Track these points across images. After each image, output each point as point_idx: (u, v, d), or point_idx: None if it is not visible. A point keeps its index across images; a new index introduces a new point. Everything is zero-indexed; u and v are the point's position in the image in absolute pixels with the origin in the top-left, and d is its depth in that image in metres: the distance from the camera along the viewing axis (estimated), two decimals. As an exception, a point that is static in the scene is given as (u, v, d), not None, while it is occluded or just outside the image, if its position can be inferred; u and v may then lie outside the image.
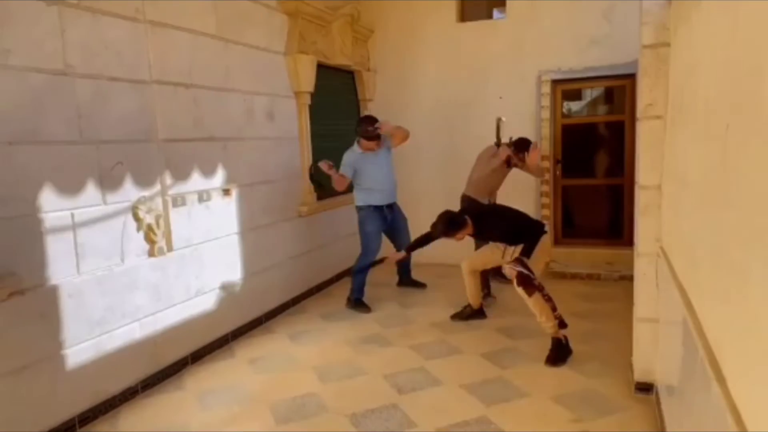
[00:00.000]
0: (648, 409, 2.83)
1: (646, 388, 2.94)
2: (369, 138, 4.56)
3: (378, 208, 4.75)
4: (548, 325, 3.46)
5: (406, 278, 5.35)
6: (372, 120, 4.62)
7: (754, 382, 1.04)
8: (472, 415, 2.88)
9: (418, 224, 6.16)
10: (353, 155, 4.63)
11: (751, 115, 1.09)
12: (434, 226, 3.89)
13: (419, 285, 5.30)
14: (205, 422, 2.95)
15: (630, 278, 3.25)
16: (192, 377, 3.49)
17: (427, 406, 3.00)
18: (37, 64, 2.65)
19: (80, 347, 2.88)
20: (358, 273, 4.78)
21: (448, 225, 3.80)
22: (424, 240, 4.14)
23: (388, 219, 4.83)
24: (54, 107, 2.74)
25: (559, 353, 3.45)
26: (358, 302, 4.77)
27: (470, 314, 4.33)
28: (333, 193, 5.62)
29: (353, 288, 4.80)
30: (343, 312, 4.73)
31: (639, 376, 2.97)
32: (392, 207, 4.89)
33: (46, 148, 2.71)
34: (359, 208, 4.77)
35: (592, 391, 3.08)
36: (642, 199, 2.85)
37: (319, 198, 5.29)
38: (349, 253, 6.03)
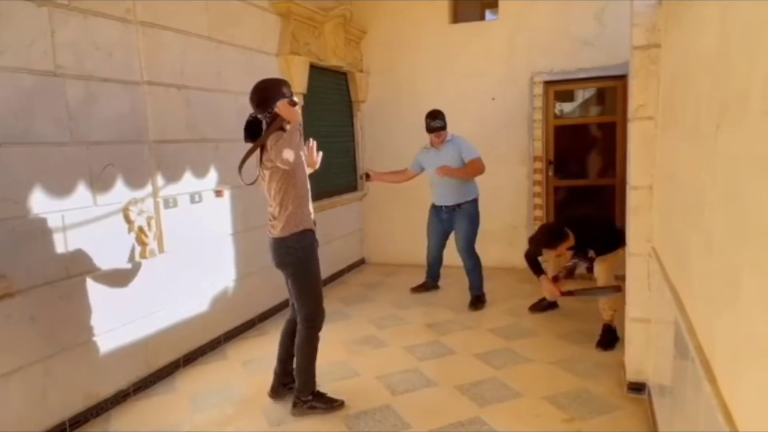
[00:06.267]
0: (640, 409, 2.84)
1: (638, 387, 2.95)
2: (429, 130, 4.58)
3: (436, 208, 4.84)
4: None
5: (432, 283, 5.19)
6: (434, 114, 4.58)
7: (745, 382, 1.05)
8: (465, 415, 2.88)
9: (414, 224, 6.19)
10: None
11: (740, 117, 1.10)
12: (532, 239, 4.04)
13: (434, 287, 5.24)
14: (198, 425, 2.93)
15: (622, 278, 3.27)
16: (184, 379, 3.48)
17: (420, 407, 3.00)
18: (26, 65, 2.63)
19: (71, 350, 2.86)
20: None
21: (549, 237, 3.81)
22: (530, 260, 4.14)
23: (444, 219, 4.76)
24: (44, 108, 2.72)
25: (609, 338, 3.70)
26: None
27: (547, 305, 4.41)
28: (326, 194, 5.62)
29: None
30: (337, 313, 4.72)
31: (631, 375, 2.98)
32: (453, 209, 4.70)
33: (36, 150, 2.69)
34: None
35: (585, 391, 3.09)
36: (633, 199, 2.86)
37: (312, 199, 5.25)
38: (344, 253, 6.04)
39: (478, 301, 4.69)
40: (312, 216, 2.98)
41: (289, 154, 2.62)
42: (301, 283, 2.92)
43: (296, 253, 2.86)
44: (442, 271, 5.12)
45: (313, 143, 3.21)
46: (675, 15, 2.21)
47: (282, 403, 3.10)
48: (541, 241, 3.90)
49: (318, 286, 2.99)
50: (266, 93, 2.79)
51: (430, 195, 4.84)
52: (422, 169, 4.75)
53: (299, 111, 2.85)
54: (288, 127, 2.72)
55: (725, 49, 1.28)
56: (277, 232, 2.86)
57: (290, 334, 3.10)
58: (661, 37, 2.64)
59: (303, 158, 2.91)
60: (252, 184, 2.88)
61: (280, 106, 2.74)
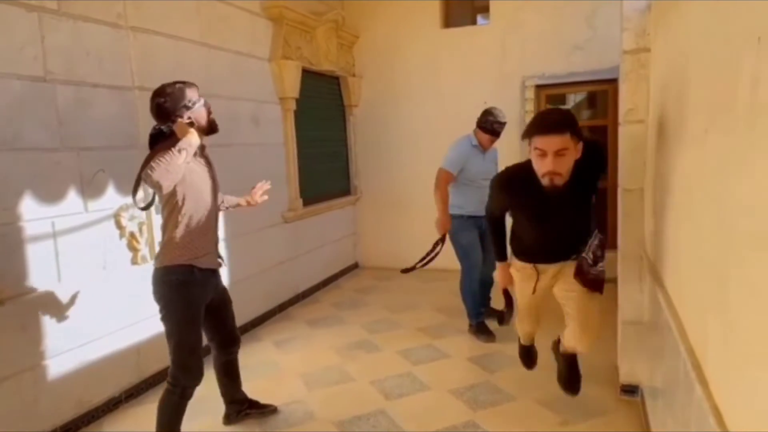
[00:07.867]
0: (633, 411, 2.85)
1: (631, 390, 2.96)
2: (493, 133, 3.98)
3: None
4: None
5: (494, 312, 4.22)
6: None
7: (735, 385, 1.06)
8: (459, 419, 2.88)
9: (408, 229, 6.18)
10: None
11: (728, 121, 1.10)
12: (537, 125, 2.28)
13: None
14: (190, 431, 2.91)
15: (614, 281, 3.28)
16: (177, 386, 3.44)
17: (414, 412, 3.00)
18: (16, 71, 2.61)
19: (62, 357, 2.84)
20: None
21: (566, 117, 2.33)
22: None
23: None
24: (34, 114, 2.70)
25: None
26: (480, 326, 4.07)
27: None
28: (319, 198, 5.62)
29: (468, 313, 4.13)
30: (330, 318, 4.71)
31: (624, 378, 2.99)
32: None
33: (26, 155, 2.67)
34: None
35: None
36: (625, 202, 2.88)
37: (306, 204, 5.27)
38: (337, 258, 6.03)
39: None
40: (208, 253, 2.54)
41: (160, 177, 2.19)
42: (165, 327, 2.51)
43: (161, 290, 2.45)
44: (436, 274, 5.10)
45: (263, 186, 2.99)
46: (664, 19, 2.23)
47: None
48: (556, 120, 2.29)
49: (186, 338, 2.52)
50: (164, 101, 2.35)
51: (463, 202, 4.02)
52: (461, 171, 4.00)
53: (209, 123, 2.46)
54: (178, 145, 2.27)
55: (712, 54, 1.29)
56: (155, 262, 2.50)
57: (218, 367, 2.96)
58: (651, 41, 2.67)
59: (204, 185, 2.49)
60: (146, 208, 2.57)
61: (178, 125, 2.36)
